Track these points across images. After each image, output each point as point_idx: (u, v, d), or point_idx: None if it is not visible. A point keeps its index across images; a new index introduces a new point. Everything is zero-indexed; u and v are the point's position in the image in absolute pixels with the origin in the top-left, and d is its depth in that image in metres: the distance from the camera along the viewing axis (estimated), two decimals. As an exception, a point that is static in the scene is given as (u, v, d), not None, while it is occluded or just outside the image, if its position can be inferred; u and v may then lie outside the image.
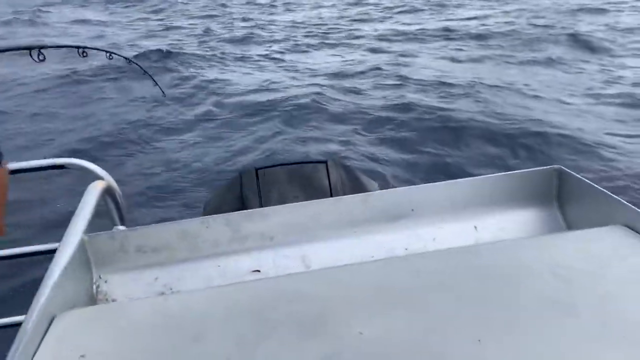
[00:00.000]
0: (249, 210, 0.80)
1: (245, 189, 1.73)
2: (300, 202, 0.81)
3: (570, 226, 0.76)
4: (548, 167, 0.78)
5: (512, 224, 0.78)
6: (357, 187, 1.76)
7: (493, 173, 0.79)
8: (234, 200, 1.78)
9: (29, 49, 1.72)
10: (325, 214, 0.79)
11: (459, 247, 0.70)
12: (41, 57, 1.74)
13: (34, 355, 0.62)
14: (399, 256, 0.73)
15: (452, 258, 0.66)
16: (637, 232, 0.66)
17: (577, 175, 0.76)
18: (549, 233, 0.77)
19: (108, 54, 2.37)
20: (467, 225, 0.79)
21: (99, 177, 1.26)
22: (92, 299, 0.79)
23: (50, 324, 0.68)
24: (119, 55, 2.60)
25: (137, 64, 2.97)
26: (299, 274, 0.71)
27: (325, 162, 1.76)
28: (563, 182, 0.77)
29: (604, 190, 0.72)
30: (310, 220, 0.79)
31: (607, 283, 0.61)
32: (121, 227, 1.14)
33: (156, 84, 3.46)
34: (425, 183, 0.77)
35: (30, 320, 0.66)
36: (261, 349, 0.55)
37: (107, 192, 1.25)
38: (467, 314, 0.59)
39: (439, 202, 0.79)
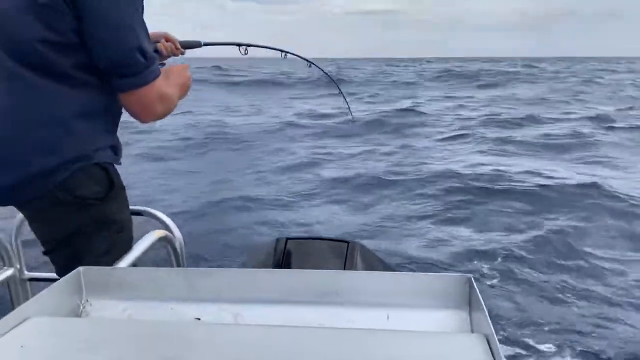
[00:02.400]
0: (209, 269, 0.94)
1: (276, 253, 1.89)
2: (249, 270, 0.94)
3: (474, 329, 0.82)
4: (462, 274, 0.86)
5: (424, 320, 0.84)
6: (369, 267, 1.88)
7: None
8: (264, 260, 1.99)
9: (239, 45, 2.10)
10: (265, 282, 0.91)
11: (363, 329, 0.78)
12: (245, 52, 2.14)
13: None
14: (307, 327, 0.82)
15: (350, 338, 0.74)
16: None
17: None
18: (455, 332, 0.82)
19: (308, 64, 2.51)
20: (381, 314, 0.86)
21: (165, 226, 1.58)
22: (73, 315, 0.94)
23: (20, 324, 0.78)
24: (317, 66, 2.67)
25: (332, 80, 3.01)
26: (221, 325, 0.83)
27: (347, 242, 1.92)
28: (473, 290, 0.83)
29: None
30: (250, 285, 0.91)
31: None
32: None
33: (347, 104, 3.44)
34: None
35: (4, 317, 0.77)
36: None
37: (166, 239, 1.54)
38: None
39: (361, 289, 0.88)
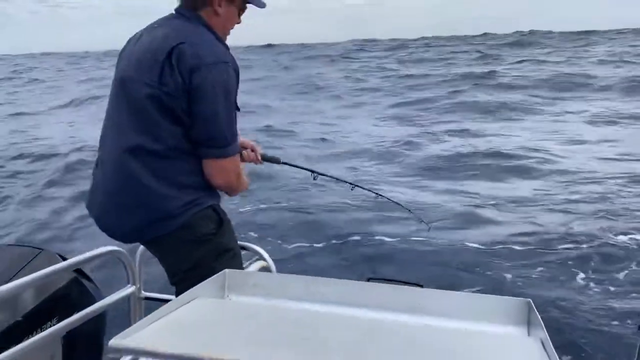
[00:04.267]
0: (323, 277, 1.14)
1: None
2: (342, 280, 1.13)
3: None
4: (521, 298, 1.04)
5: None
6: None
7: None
8: None
9: (312, 172, 2.42)
10: (365, 291, 1.10)
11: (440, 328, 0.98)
12: (315, 178, 2.41)
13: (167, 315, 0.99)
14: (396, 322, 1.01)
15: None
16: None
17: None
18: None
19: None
20: (455, 323, 1.02)
21: (262, 258, 1.92)
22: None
23: (190, 302, 1.05)
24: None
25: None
26: (334, 316, 1.04)
27: (421, 285, 2.22)
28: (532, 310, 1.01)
29: None
30: (353, 292, 1.11)
31: None
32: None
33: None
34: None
35: (178, 298, 1.05)
36: None
37: (265, 269, 1.86)
38: None
39: (438, 303, 1.05)
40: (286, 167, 2.35)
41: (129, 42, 1.83)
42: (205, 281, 1.13)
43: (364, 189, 2.74)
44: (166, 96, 1.60)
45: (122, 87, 1.72)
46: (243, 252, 1.94)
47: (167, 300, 2.10)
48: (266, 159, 2.13)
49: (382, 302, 1.05)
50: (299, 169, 2.50)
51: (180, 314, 1.01)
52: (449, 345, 0.90)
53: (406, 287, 1.10)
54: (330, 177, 2.63)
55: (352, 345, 0.88)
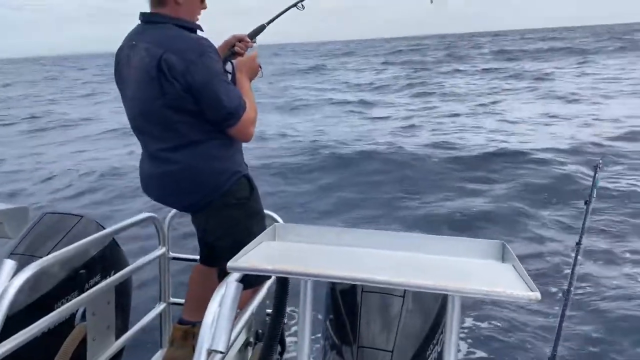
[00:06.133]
0: (344, 228, 1.45)
1: None
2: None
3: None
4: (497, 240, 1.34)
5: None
6: None
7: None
8: None
9: (294, 5, 2.40)
10: (372, 238, 1.41)
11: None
12: (302, 7, 2.37)
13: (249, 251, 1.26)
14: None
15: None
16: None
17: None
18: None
19: None
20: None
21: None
22: None
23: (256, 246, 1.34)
24: None
25: None
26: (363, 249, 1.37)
27: None
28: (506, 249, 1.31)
29: None
30: (369, 237, 1.43)
31: None
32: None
33: None
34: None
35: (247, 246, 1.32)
36: None
37: None
38: None
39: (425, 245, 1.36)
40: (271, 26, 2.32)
41: (119, 62, 2.04)
42: (262, 233, 1.42)
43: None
44: (174, 101, 1.87)
45: (139, 110, 1.97)
46: None
47: (191, 260, 2.47)
48: (254, 34, 2.26)
49: (393, 244, 1.38)
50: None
51: (261, 249, 1.32)
52: (445, 264, 1.26)
53: (409, 233, 1.43)
54: None
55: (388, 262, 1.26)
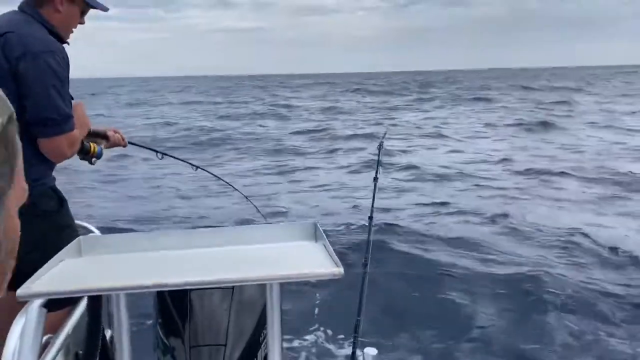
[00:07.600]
0: (157, 231, 1.38)
1: None
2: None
3: None
4: (309, 221, 1.43)
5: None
6: None
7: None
8: None
9: (156, 151, 2.70)
10: (192, 238, 1.39)
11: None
12: (161, 158, 2.71)
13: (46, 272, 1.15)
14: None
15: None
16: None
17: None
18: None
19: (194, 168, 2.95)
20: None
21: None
22: None
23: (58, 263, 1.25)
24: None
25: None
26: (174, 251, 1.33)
27: None
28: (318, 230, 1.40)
29: None
30: (185, 238, 1.40)
31: None
32: None
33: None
34: None
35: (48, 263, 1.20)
36: None
37: None
38: None
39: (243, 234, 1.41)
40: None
41: None
42: (64, 249, 1.29)
43: (205, 170, 3.02)
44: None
45: None
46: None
47: None
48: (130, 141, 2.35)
49: (207, 241, 1.36)
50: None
51: (62, 267, 1.20)
52: (263, 253, 1.28)
53: (225, 227, 1.41)
54: (173, 157, 2.88)
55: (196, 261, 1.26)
